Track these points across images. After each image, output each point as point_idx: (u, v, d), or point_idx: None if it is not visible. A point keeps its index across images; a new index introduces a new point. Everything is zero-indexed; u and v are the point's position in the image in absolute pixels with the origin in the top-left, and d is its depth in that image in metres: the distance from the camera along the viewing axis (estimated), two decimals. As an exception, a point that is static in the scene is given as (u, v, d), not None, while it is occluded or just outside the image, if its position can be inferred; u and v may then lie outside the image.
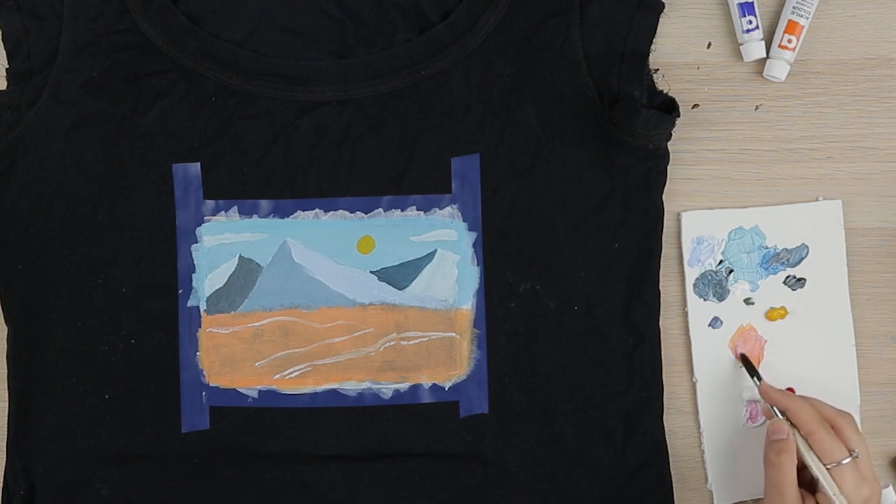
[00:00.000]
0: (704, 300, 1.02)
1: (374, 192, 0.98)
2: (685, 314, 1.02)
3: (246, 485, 0.99)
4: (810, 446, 0.92)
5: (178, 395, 0.98)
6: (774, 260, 1.02)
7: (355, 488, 0.99)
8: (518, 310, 0.99)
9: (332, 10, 0.99)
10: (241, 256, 0.99)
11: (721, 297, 1.02)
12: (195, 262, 0.99)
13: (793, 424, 0.94)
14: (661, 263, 1.00)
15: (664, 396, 1.00)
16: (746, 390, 1.02)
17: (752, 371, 0.99)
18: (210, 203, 0.98)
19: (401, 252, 0.99)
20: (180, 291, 0.98)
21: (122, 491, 0.99)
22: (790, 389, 1.01)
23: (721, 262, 1.02)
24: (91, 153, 0.98)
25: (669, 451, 1.01)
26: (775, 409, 0.96)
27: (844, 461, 0.92)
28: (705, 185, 1.03)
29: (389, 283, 0.99)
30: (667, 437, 1.01)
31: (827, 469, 0.91)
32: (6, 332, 1.00)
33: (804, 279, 1.02)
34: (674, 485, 1.01)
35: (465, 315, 0.99)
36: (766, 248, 1.02)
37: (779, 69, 1.01)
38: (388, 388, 0.99)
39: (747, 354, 1.01)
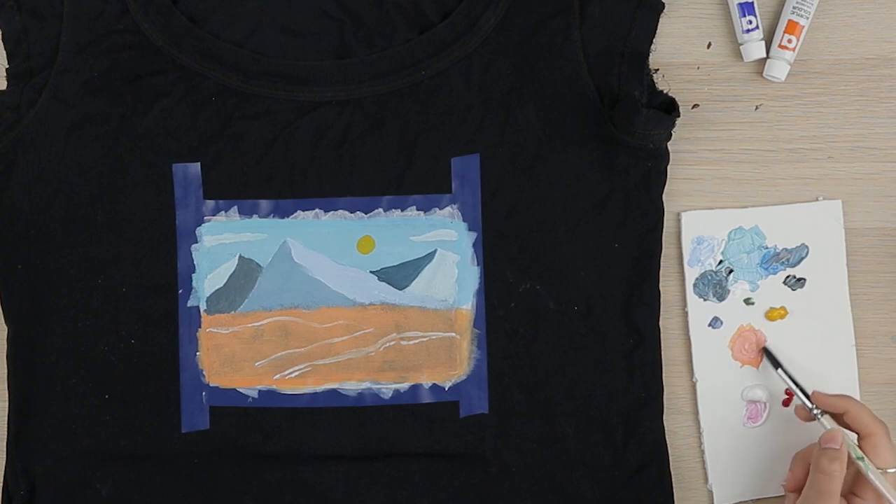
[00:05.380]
0: (704, 300, 1.02)
1: (374, 192, 0.98)
2: (685, 314, 1.02)
3: (246, 485, 0.99)
4: (862, 447, 0.93)
5: (178, 395, 0.98)
6: (774, 260, 1.02)
7: (355, 488, 0.99)
8: (518, 310, 0.99)
9: (332, 10, 0.99)
10: (241, 256, 0.99)
11: (721, 297, 1.02)
12: (195, 262, 0.99)
13: (847, 426, 0.94)
14: (661, 263, 1.00)
15: (664, 396, 1.00)
16: (747, 390, 1.02)
17: (776, 363, 0.99)
18: (210, 203, 0.98)
19: (401, 252, 0.99)
20: (180, 291, 0.98)
21: (122, 491, 0.99)
22: (789, 392, 1.01)
23: (721, 262, 1.02)
24: (91, 153, 0.98)
25: (669, 451, 1.01)
26: (821, 416, 0.95)
27: (891, 469, 0.92)
28: (705, 185, 1.03)
29: (389, 283, 0.99)
30: (667, 437, 1.01)
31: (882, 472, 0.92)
32: (6, 332, 1.00)
33: (804, 279, 1.02)
34: (674, 485, 1.01)
35: (465, 315, 0.99)
36: (766, 248, 1.02)
37: (779, 69, 1.01)
38: (388, 388, 0.99)
39: (747, 354, 1.01)
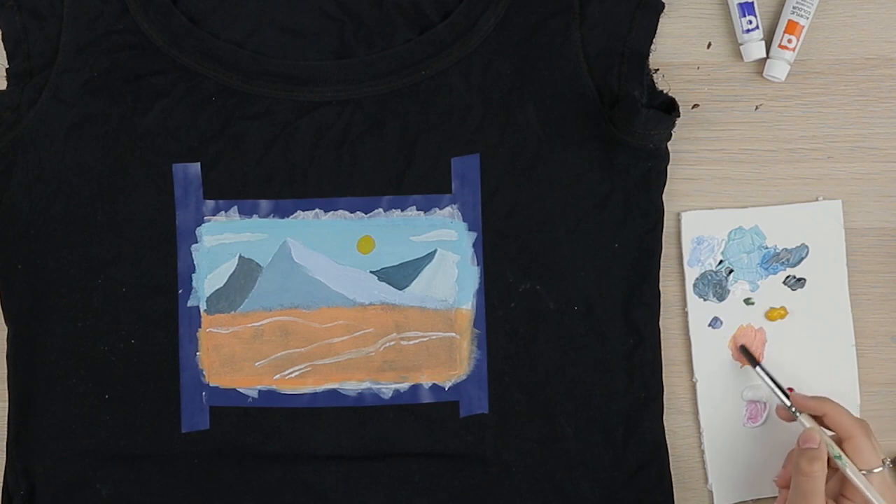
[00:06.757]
0: (704, 300, 1.02)
1: (374, 192, 0.98)
2: (685, 314, 1.02)
3: (246, 485, 0.99)
4: (843, 451, 0.93)
5: (178, 395, 0.98)
6: (774, 260, 1.02)
7: (355, 488, 0.99)
8: (518, 310, 0.99)
9: (332, 10, 0.99)
10: (241, 256, 0.99)
11: (721, 297, 1.02)
12: (195, 262, 0.99)
13: (828, 429, 0.94)
14: (661, 263, 1.00)
15: (664, 396, 1.00)
16: (747, 390, 1.02)
17: (753, 360, 0.99)
18: (210, 203, 0.98)
19: (401, 252, 0.99)
20: (180, 291, 0.98)
21: (122, 491, 0.99)
22: (789, 389, 1.01)
23: (721, 262, 1.02)
24: (91, 153, 0.98)
25: (669, 451, 1.01)
26: (798, 414, 0.95)
27: (876, 469, 0.92)
28: (705, 185, 1.03)
29: (389, 283, 0.99)
30: (667, 437, 1.01)
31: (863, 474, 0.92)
32: (6, 332, 1.00)
33: (804, 279, 1.02)
34: (674, 485, 1.01)
35: (465, 315, 0.99)
36: (766, 248, 1.02)
37: (779, 69, 1.01)
38: (388, 388, 0.99)
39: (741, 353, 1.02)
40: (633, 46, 0.99)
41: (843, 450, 0.93)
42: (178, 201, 0.98)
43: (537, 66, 0.99)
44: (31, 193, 0.98)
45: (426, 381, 0.99)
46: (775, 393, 0.97)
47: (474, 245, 0.99)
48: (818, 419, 0.95)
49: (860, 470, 0.92)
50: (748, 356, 1.00)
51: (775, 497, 1.00)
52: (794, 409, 0.96)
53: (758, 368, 0.99)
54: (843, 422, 0.94)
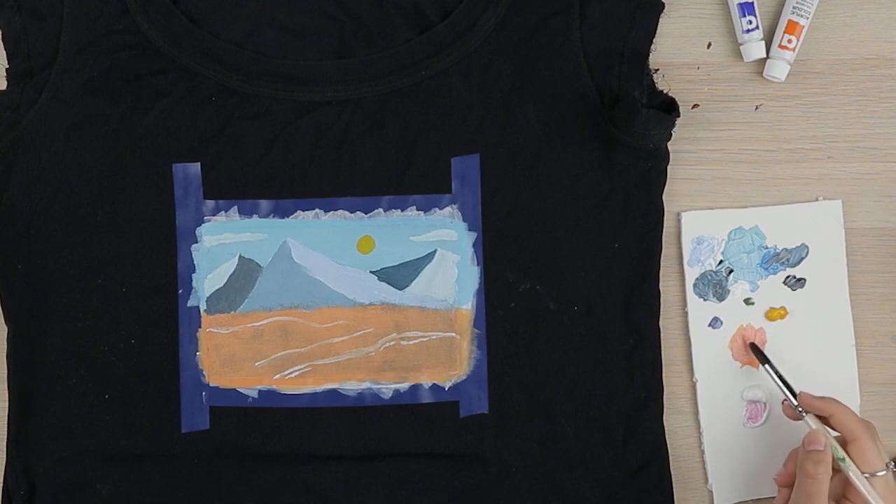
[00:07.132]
0: (704, 300, 1.02)
1: (374, 192, 0.98)
2: (685, 314, 1.02)
3: (246, 485, 0.99)
4: (848, 452, 0.93)
5: (178, 395, 0.98)
6: (774, 260, 1.02)
7: (355, 488, 0.99)
8: (518, 310, 0.99)
9: (332, 10, 0.99)
10: (241, 256, 0.99)
11: (721, 297, 1.02)
12: (195, 262, 0.99)
13: (833, 429, 0.94)
14: (661, 263, 1.00)
15: (664, 396, 1.00)
16: (747, 390, 1.02)
17: (763, 358, 0.99)
18: (210, 203, 0.98)
19: (401, 252, 0.99)
20: (180, 291, 0.98)
21: (122, 491, 0.99)
22: (790, 390, 1.01)
23: (721, 262, 1.02)
24: (91, 153, 0.98)
25: (669, 451, 1.01)
26: (805, 414, 0.95)
27: (880, 472, 0.92)
28: (705, 185, 1.03)
29: (389, 283, 0.99)
30: (667, 437, 1.01)
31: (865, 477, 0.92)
32: (6, 332, 1.00)
33: (804, 279, 1.02)
34: (674, 485, 1.01)
35: (465, 315, 0.99)
36: (766, 248, 1.02)
37: (779, 69, 1.01)
38: (388, 388, 0.99)
39: (747, 354, 1.01)
40: (633, 46, 0.99)
41: (847, 451, 0.93)
42: (178, 201, 0.98)
43: (537, 66, 0.99)
44: (31, 193, 0.98)
45: (426, 381, 0.99)
46: (783, 392, 0.97)
47: (474, 245, 0.99)
48: (824, 420, 0.95)
49: (863, 473, 0.92)
50: (758, 354, 1.00)
51: (775, 497, 1.00)
52: (800, 409, 0.96)
53: (767, 367, 0.99)
54: (848, 423, 0.94)
